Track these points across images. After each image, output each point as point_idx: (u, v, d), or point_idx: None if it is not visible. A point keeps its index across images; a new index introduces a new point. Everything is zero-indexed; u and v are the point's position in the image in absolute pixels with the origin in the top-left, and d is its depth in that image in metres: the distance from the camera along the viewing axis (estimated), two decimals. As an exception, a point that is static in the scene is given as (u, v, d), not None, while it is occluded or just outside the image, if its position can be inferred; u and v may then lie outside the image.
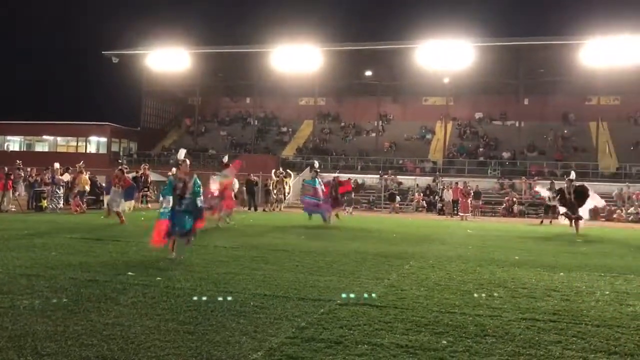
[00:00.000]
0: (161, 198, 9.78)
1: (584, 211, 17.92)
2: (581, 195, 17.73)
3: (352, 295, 6.28)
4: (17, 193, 23.14)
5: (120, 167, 18.28)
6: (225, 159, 18.37)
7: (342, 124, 46.56)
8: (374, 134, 42.82)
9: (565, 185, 18.24)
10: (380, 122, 43.81)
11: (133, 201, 19.25)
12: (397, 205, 30.91)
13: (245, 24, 75.41)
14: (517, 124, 40.51)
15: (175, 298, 5.90)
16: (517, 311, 5.82)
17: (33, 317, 4.95)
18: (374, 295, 6.37)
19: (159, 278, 6.99)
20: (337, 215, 19.44)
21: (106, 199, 18.62)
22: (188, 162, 9.51)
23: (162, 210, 9.12)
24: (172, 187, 9.14)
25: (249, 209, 25.82)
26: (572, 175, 18.67)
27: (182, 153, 9.89)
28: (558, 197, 18.77)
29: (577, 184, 18.38)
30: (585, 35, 35.97)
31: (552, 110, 42.34)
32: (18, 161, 24.44)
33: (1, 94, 70.75)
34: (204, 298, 5.94)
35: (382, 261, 9.30)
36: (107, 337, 4.44)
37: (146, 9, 79.76)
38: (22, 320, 4.86)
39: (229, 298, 5.97)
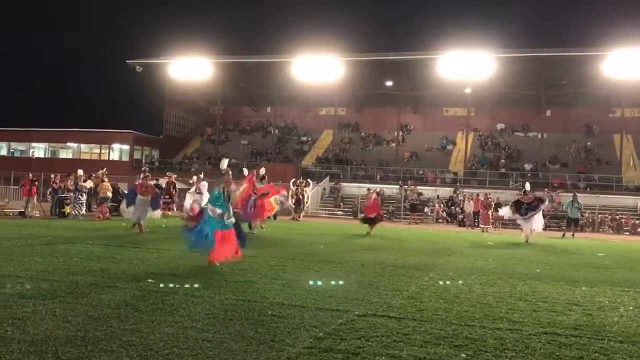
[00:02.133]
0: (209, 209, 9.22)
1: (538, 222, 18.87)
2: (536, 207, 18.61)
3: (370, 307, 6.25)
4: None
5: (145, 175, 17.30)
6: (262, 171, 18.48)
7: (362, 133, 46.55)
8: (394, 144, 42.72)
9: (524, 196, 19.10)
10: (401, 132, 43.72)
11: (159, 210, 18.07)
12: (416, 216, 30.73)
13: (267, 34, 76.02)
14: (539, 136, 40.14)
15: (194, 306, 5.92)
16: (538, 325, 5.74)
17: (54, 322, 5.01)
18: (392, 306, 6.33)
19: (178, 285, 7.03)
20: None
21: (127, 209, 16.81)
22: (230, 171, 9.55)
23: (221, 221, 9.07)
24: (222, 198, 9.16)
25: (268, 217, 25.82)
26: (527, 186, 19.91)
27: (224, 163, 9.91)
28: (514, 207, 19.17)
29: (533, 195, 19.33)
30: (609, 46, 35.59)
31: (575, 121, 41.87)
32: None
33: (27, 102, 72.10)
34: (223, 306, 5.95)
35: (401, 272, 9.25)
36: (127, 343, 4.47)
37: (169, 18, 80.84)
38: (43, 324, 4.92)
39: (248, 307, 5.98)
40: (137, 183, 16.65)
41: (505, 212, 20.68)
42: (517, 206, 18.90)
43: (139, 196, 15.83)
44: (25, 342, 4.37)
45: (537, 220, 18.88)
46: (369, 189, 30.46)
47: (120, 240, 12.65)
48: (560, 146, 40.23)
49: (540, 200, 19.15)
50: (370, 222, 19.42)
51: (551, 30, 76.73)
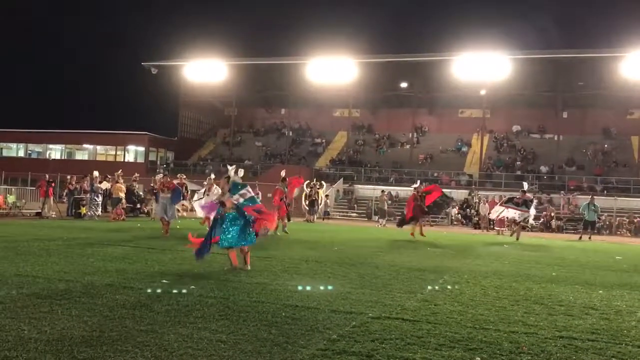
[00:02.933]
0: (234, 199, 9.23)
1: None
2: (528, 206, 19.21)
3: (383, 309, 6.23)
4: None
5: (161, 172, 17.32)
6: (283, 173, 18.69)
7: (376, 135, 46.48)
8: (408, 146, 42.60)
9: (519, 195, 19.60)
10: (415, 134, 43.59)
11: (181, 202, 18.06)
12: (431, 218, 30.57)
13: (281, 36, 76.24)
14: (555, 138, 39.79)
15: (208, 307, 5.94)
16: (554, 329, 5.68)
17: (70, 322, 5.05)
18: (406, 309, 6.31)
19: (192, 287, 7.06)
20: (418, 232, 18.10)
21: (153, 207, 17.24)
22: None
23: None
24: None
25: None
26: (525, 186, 20.30)
27: (231, 170, 10.16)
28: (508, 204, 19.60)
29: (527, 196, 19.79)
30: (626, 47, 35.20)
31: (592, 123, 41.47)
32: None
33: (44, 104, 72.91)
34: (237, 307, 5.97)
35: (416, 275, 9.21)
36: (141, 343, 4.49)
37: (184, 21, 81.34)
38: (59, 324, 4.96)
39: (262, 308, 5.99)
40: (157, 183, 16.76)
41: (496, 210, 20.64)
42: (508, 203, 19.53)
43: (160, 195, 16.09)
44: (42, 342, 4.41)
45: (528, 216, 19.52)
46: (382, 191, 30.54)
47: (136, 242, 12.74)
48: (577, 148, 39.86)
49: (530, 201, 19.53)
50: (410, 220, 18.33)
51: (568, 31, 76.11)
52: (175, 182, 16.37)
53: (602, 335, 5.49)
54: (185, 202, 25.29)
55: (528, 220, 19.86)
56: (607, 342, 5.23)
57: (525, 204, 19.09)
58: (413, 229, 18.10)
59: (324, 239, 16.29)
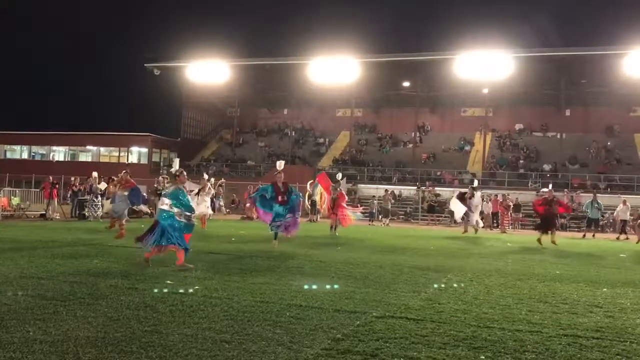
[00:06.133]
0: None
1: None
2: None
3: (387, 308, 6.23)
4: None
5: (125, 170, 15.91)
6: (339, 176, 18.97)
7: (379, 135, 46.43)
8: (411, 145, 42.55)
9: (468, 191, 20.68)
10: (418, 133, 43.54)
11: (143, 205, 16.78)
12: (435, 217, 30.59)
13: (283, 36, 76.20)
14: (558, 136, 39.69)
15: (213, 307, 5.95)
16: (558, 327, 5.68)
17: (75, 323, 5.07)
18: (410, 308, 6.31)
19: (197, 287, 7.07)
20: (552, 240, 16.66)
21: (106, 205, 15.64)
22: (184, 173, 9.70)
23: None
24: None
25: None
26: (475, 183, 21.88)
27: (281, 164, 10.47)
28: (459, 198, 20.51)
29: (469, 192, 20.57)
30: (629, 45, 35.08)
31: (595, 121, 41.35)
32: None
33: (47, 106, 73.10)
34: (241, 308, 5.98)
35: (419, 274, 9.20)
36: (146, 344, 4.51)
37: (186, 22, 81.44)
38: (64, 325, 4.98)
39: (266, 308, 5.99)
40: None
41: (458, 209, 20.84)
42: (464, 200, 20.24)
43: (117, 193, 14.90)
44: (47, 343, 4.43)
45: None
46: (386, 190, 30.53)
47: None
48: (580, 146, 39.76)
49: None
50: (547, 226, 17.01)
51: (570, 29, 75.98)
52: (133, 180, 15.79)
53: (606, 333, 5.49)
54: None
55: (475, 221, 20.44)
56: (611, 340, 5.23)
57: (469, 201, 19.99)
58: (541, 237, 16.71)
59: (327, 239, 16.29)
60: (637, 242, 19.47)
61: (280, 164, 13.59)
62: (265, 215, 12.85)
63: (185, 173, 9.58)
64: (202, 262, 9.46)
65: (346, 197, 19.69)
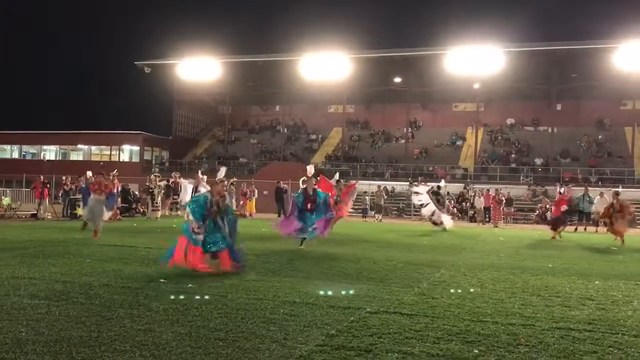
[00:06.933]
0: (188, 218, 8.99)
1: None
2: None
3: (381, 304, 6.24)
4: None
5: (102, 172, 15.17)
6: (337, 176, 18.69)
7: (371, 131, 46.49)
8: (403, 141, 42.63)
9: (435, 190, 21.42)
10: (410, 128, 43.62)
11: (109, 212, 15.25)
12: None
13: (275, 33, 76.06)
14: (549, 130, 39.88)
15: (206, 305, 5.94)
16: (551, 320, 5.71)
17: (68, 323, 5.04)
18: (404, 303, 6.33)
19: (190, 285, 7.06)
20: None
21: (82, 210, 14.65)
22: (225, 182, 9.35)
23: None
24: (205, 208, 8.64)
25: (279, 215, 25.94)
26: (442, 183, 22.70)
27: (311, 169, 10.34)
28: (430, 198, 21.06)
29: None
30: (619, 39, 35.26)
31: (585, 115, 41.58)
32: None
33: (37, 105, 72.67)
34: (235, 305, 5.97)
35: (413, 269, 9.23)
36: (140, 343, 4.49)
37: (177, 19, 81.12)
38: (57, 325, 4.95)
39: (259, 305, 5.99)
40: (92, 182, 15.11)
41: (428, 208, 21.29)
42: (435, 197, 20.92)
43: (92, 195, 14.19)
44: (40, 343, 4.40)
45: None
46: (379, 186, 30.58)
47: (132, 241, 12.72)
48: (571, 140, 39.96)
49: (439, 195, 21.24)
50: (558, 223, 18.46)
51: (561, 23, 76.23)
52: (164, 182, 15.17)
53: (599, 326, 5.52)
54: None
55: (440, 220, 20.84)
56: (604, 332, 5.26)
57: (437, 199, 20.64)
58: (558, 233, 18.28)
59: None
60: (616, 238, 16.75)
61: (310, 169, 13.19)
62: (293, 226, 12.18)
63: (225, 182, 9.19)
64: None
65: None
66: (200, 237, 8.29)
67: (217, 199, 8.66)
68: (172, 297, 6.31)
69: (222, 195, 8.76)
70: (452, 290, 7.27)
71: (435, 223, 21.04)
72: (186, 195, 19.19)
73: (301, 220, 12.07)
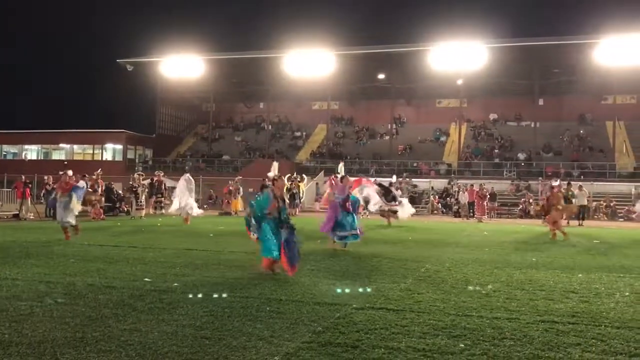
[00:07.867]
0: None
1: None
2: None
3: (367, 299, 6.26)
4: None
5: (64, 172, 14.29)
6: (341, 171, 18.54)
7: (356, 127, 46.53)
8: (387, 137, 42.74)
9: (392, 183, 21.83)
10: (394, 125, 43.74)
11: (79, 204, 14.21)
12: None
13: (258, 30, 75.83)
14: (532, 125, 40.20)
15: (192, 304, 5.92)
16: (535, 313, 5.77)
17: (52, 324, 5.00)
18: (390, 299, 6.35)
19: (175, 284, 7.03)
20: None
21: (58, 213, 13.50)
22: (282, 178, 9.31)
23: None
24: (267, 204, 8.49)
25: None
26: (394, 178, 23.22)
27: (341, 167, 10.18)
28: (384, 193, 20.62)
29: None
30: (600, 34, 35.60)
31: (567, 110, 41.97)
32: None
33: (18, 105, 71.73)
34: (221, 303, 5.96)
35: (398, 265, 9.27)
36: (125, 343, 4.47)
37: (159, 16, 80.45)
38: (41, 327, 4.90)
39: (246, 303, 5.98)
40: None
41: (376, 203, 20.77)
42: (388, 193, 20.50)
43: (58, 195, 13.50)
44: (23, 345, 4.36)
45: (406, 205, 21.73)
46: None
47: (117, 240, 12.63)
48: (554, 135, 40.33)
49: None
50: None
51: (543, 19, 76.81)
52: (147, 181, 14.46)
53: (582, 318, 5.59)
54: (164, 199, 25.12)
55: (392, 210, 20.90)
56: (587, 325, 5.33)
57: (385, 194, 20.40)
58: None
59: (305, 233, 16.27)
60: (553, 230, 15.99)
61: (341, 167, 12.70)
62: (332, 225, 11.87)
63: (283, 178, 9.05)
64: (181, 259, 9.40)
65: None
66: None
67: (279, 193, 8.63)
68: (158, 296, 6.27)
69: (282, 190, 8.82)
70: (437, 285, 7.31)
71: (383, 215, 21.01)
72: (183, 195, 18.98)
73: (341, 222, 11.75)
